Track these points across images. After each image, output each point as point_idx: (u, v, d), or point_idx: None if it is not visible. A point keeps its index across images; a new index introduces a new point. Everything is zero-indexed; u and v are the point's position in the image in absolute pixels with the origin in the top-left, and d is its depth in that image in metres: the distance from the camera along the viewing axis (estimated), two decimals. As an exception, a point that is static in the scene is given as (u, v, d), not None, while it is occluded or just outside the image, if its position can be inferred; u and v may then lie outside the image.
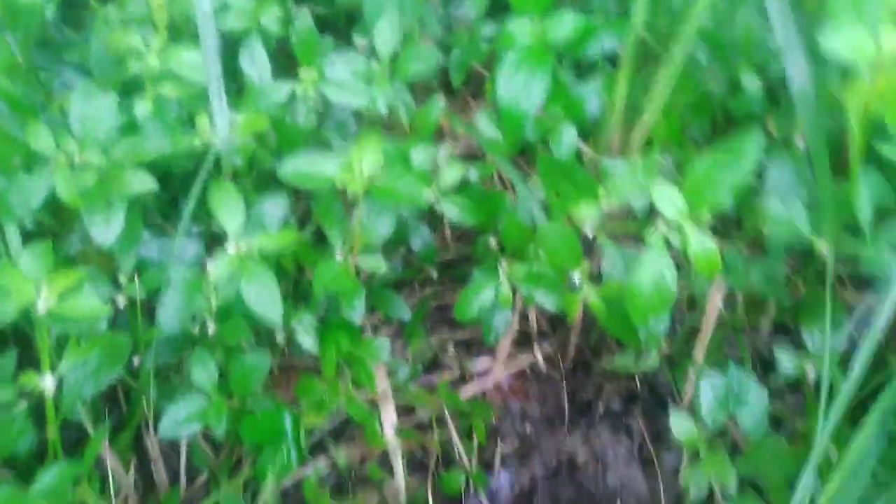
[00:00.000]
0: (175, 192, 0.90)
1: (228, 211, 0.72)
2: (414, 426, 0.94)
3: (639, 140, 0.93)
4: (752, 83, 0.92)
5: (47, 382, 0.69)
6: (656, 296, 0.67)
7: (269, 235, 0.74)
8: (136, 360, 0.83)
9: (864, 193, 0.70)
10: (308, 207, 0.99)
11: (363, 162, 0.77)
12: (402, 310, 0.96)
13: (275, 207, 0.80)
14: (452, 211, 0.84)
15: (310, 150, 0.87)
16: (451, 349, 0.99)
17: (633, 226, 0.80)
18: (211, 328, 0.76)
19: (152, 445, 0.85)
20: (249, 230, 0.74)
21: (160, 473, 0.86)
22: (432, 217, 1.05)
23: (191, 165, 0.86)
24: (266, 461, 0.78)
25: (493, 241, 0.93)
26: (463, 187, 0.87)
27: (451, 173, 0.84)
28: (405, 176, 0.78)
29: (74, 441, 0.83)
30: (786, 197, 0.77)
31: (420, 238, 0.96)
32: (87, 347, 0.71)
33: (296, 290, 0.96)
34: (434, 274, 1.01)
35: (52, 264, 0.69)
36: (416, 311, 0.98)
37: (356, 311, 0.82)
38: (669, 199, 0.66)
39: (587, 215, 0.72)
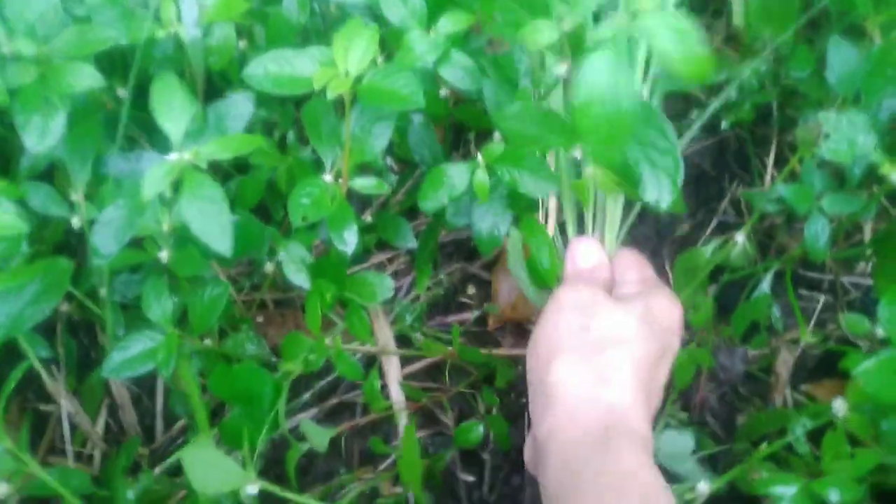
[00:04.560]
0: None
1: (171, 110, 0.59)
2: (424, 374, 0.81)
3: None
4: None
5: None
6: (613, 116, 0.45)
7: (223, 139, 0.60)
8: (102, 292, 0.73)
9: None
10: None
11: (350, 57, 0.62)
12: (408, 237, 0.83)
13: (238, 108, 0.66)
14: (455, 74, 0.69)
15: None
16: (469, 285, 0.85)
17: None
18: (164, 255, 0.64)
19: (117, 388, 0.75)
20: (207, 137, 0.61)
21: (128, 418, 0.76)
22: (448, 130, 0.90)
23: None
24: (240, 422, 0.66)
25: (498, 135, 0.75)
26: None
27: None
28: (400, 71, 0.63)
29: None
30: None
31: (427, 150, 0.81)
32: (19, 273, 0.60)
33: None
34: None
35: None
36: (426, 238, 0.84)
37: (347, 243, 0.68)
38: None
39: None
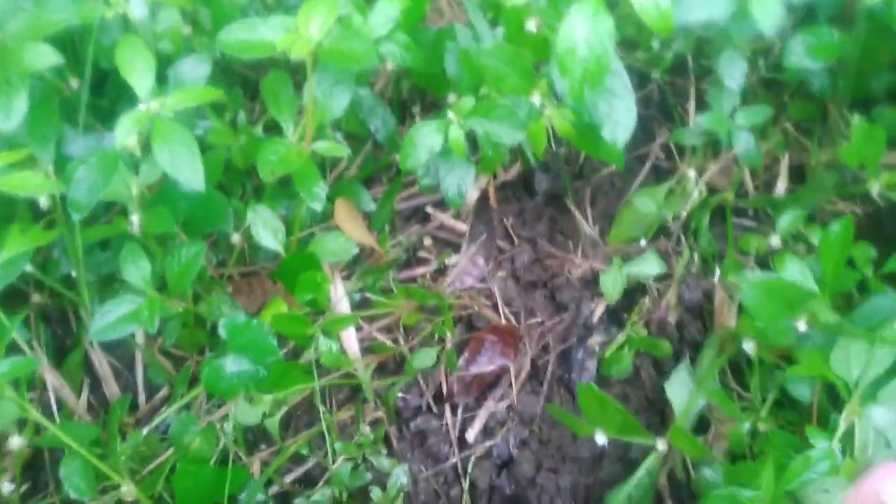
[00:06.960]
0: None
1: (136, 68, 0.63)
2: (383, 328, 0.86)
3: None
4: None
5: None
6: (592, 60, 0.55)
7: (187, 90, 0.64)
8: (73, 273, 0.75)
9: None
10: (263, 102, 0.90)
11: (311, 24, 0.67)
12: (366, 201, 0.87)
13: (194, 68, 0.71)
14: (393, 51, 0.73)
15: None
16: (427, 241, 0.90)
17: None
18: (135, 220, 0.67)
19: (99, 362, 0.78)
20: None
21: (112, 391, 0.79)
22: (395, 103, 0.95)
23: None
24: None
25: (452, 97, 0.81)
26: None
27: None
28: (356, 37, 0.69)
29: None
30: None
31: (380, 120, 0.86)
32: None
33: (255, 191, 0.88)
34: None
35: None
36: (384, 201, 0.89)
37: (317, 197, 0.73)
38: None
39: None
